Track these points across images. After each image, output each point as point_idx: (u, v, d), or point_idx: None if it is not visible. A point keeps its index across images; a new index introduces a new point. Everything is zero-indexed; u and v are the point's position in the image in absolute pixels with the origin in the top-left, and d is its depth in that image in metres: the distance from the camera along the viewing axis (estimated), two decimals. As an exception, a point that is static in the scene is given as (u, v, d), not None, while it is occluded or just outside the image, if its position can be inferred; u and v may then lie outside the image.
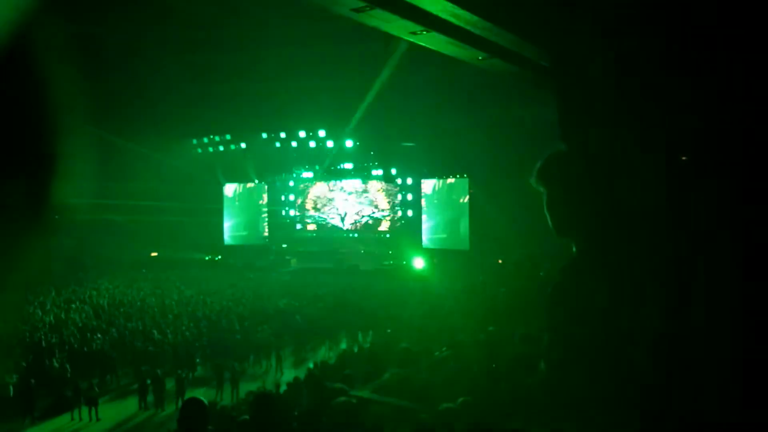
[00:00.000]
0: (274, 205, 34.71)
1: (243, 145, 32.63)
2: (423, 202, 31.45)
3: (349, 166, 32.51)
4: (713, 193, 1.47)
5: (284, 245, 34.21)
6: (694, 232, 1.46)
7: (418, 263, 29.13)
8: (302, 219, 34.46)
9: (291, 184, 34.46)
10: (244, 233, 35.46)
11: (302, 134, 31.40)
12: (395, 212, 32.58)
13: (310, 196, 34.39)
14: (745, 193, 1.41)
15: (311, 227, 34.37)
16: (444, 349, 7.85)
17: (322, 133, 30.96)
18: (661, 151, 1.69)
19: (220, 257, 32.67)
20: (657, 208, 1.55)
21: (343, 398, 4.61)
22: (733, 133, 1.59)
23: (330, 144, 31.19)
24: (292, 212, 34.59)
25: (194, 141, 32.86)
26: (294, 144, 31.93)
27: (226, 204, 35.22)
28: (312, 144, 31.65)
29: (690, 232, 1.48)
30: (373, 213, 33.07)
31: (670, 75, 1.85)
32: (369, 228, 33.18)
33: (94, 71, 23.20)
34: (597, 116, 2.22)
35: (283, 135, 31.70)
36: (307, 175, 33.77)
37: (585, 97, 2.48)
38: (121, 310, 21.19)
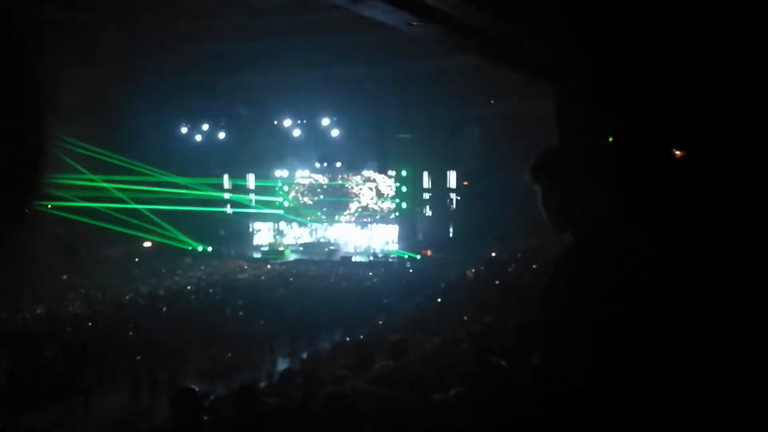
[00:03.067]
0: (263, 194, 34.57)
1: (237, 137, 32.42)
2: (417, 193, 31.53)
3: (343, 157, 32.40)
4: (712, 188, 1.46)
5: (277, 236, 34.24)
6: (692, 228, 1.46)
7: (412, 254, 29.22)
8: (296, 210, 34.33)
9: (286, 175, 34.28)
10: (237, 224, 35.38)
11: (298, 124, 31.30)
12: (389, 204, 32.56)
13: (303, 187, 34.28)
14: (744, 190, 1.41)
15: (305, 218, 34.35)
16: (437, 340, 7.89)
17: (319, 124, 30.84)
18: (659, 145, 1.69)
19: (211, 248, 32.62)
20: (655, 202, 1.55)
21: (335, 389, 4.62)
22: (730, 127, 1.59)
23: (326, 135, 31.09)
24: (286, 203, 34.48)
25: (189, 131, 32.70)
26: (289, 136, 31.76)
27: (221, 195, 35.05)
28: (308, 135, 31.51)
29: (688, 226, 1.48)
30: (367, 205, 33.05)
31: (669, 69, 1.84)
32: (363, 219, 33.18)
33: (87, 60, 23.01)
34: (594, 111, 2.22)
35: (275, 125, 31.55)
36: (301, 166, 33.65)
37: (582, 92, 2.48)
38: (114, 300, 21.13)
